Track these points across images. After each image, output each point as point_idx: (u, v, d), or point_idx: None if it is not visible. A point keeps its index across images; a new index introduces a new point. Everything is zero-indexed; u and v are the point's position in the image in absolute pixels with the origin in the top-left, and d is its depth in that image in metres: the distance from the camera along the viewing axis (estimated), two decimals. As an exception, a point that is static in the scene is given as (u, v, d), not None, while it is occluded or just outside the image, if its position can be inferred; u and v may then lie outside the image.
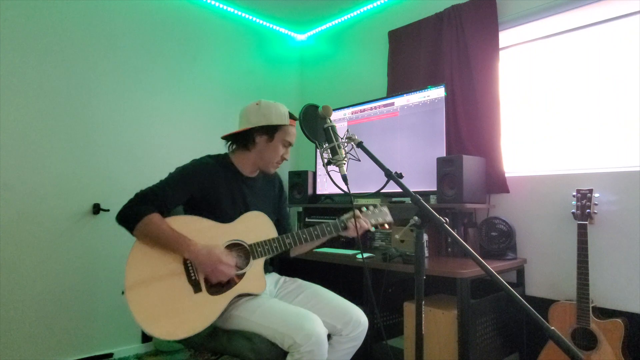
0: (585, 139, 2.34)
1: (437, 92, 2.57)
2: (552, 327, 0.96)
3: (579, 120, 2.37)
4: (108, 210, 2.68)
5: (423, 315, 1.26)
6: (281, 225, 1.83)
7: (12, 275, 2.41)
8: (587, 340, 1.92)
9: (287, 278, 1.88)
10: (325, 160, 1.42)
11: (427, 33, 2.85)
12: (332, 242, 2.81)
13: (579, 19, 2.37)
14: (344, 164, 1.40)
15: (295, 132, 1.75)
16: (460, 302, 1.92)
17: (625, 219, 2.10)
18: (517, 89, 2.61)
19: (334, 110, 1.67)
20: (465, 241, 2.36)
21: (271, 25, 3.77)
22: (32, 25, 2.52)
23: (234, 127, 1.73)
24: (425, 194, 2.53)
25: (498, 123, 2.48)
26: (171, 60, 3.11)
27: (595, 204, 2.04)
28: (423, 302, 1.26)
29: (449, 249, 2.45)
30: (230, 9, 3.47)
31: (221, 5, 3.41)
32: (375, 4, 3.34)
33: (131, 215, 1.50)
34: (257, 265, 1.64)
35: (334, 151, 1.40)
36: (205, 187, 1.63)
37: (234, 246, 1.63)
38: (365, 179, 2.79)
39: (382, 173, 1.30)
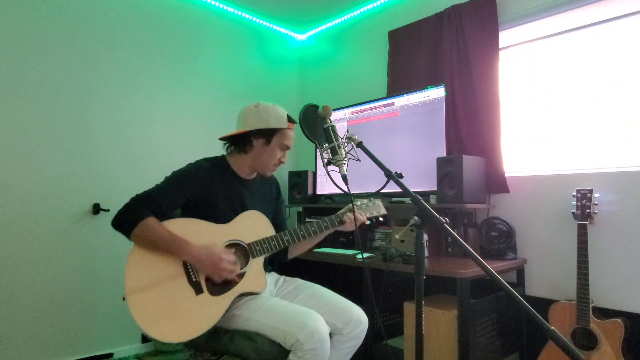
0: (585, 139, 2.34)
1: (437, 92, 2.57)
2: (552, 327, 0.96)
3: (579, 120, 2.37)
4: (108, 210, 2.68)
5: (423, 315, 1.26)
6: (277, 226, 1.83)
7: (12, 275, 2.41)
8: (587, 340, 1.92)
9: (287, 278, 1.88)
10: (325, 160, 1.42)
11: (427, 33, 2.85)
12: (332, 242, 2.82)
13: (579, 19, 2.37)
14: (344, 164, 1.40)
15: (293, 135, 1.75)
16: (460, 302, 1.92)
17: (625, 219, 2.10)
18: (517, 89, 2.61)
19: (334, 110, 1.67)
20: (465, 241, 2.36)
21: (271, 25, 3.77)
22: (32, 25, 2.52)
23: (234, 128, 1.73)
24: (425, 194, 2.53)
25: (498, 123, 2.48)
26: (171, 60, 3.11)
27: (595, 204, 2.04)
28: (423, 302, 1.26)
29: (449, 249, 2.45)
30: (230, 9, 3.47)
31: (221, 5, 3.41)
32: (375, 4, 3.34)
33: (127, 220, 1.49)
34: (256, 264, 1.64)
35: (334, 151, 1.40)
36: (201, 190, 1.62)
37: (233, 246, 1.63)
38: (365, 179, 2.79)
39: (382, 173, 1.30)
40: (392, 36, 3.12)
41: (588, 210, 2.01)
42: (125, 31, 2.89)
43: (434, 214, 1.19)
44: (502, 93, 2.50)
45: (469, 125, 2.61)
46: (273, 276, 1.87)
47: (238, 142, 1.72)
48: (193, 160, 1.72)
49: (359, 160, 1.44)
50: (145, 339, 2.88)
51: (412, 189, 1.27)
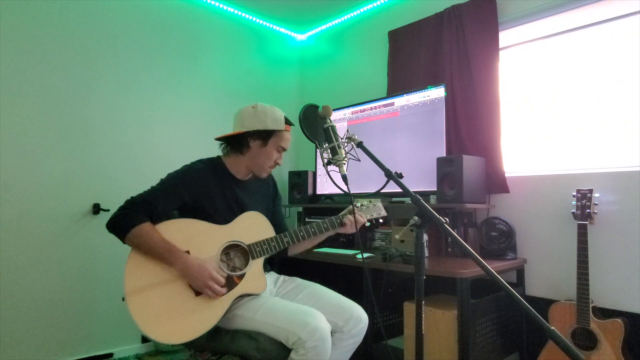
0: (585, 139, 2.34)
1: (437, 92, 2.57)
2: (552, 327, 0.96)
3: (579, 120, 2.37)
4: (108, 210, 2.68)
5: (423, 315, 1.26)
6: (277, 225, 1.82)
7: (12, 275, 2.41)
8: (587, 340, 1.92)
9: (286, 277, 1.88)
10: (325, 160, 1.42)
11: (427, 33, 2.85)
12: (332, 242, 2.81)
13: (579, 19, 2.36)
14: (344, 164, 1.40)
15: (290, 137, 1.75)
16: (460, 302, 1.92)
17: (625, 219, 2.10)
18: (517, 89, 2.61)
19: (334, 110, 1.67)
20: (465, 241, 2.36)
21: (271, 25, 3.77)
22: (32, 25, 2.52)
23: (232, 128, 1.73)
24: (425, 194, 2.53)
25: (498, 123, 2.48)
26: (171, 60, 3.11)
27: (595, 204, 2.04)
28: (423, 302, 1.26)
29: (449, 249, 2.45)
30: (230, 9, 3.47)
31: (221, 5, 3.41)
32: (375, 4, 3.34)
33: (122, 224, 1.48)
34: (256, 265, 1.64)
35: (334, 151, 1.40)
36: (197, 192, 1.62)
37: (233, 247, 1.63)
38: (365, 179, 2.79)
39: (382, 173, 1.30)
40: (392, 36, 3.12)
41: (588, 210, 2.01)
42: (125, 31, 2.89)
43: (434, 214, 1.19)
44: (502, 93, 2.50)
45: (469, 125, 2.61)
46: (272, 276, 1.87)
47: (234, 142, 1.71)
48: (193, 161, 1.72)
49: (359, 160, 1.44)
50: (145, 339, 2.88)
51: (412, 189, 1.27)
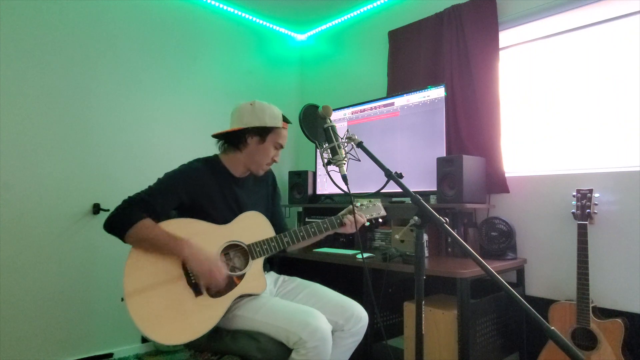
0: (585, 139, 2.34)
1: (437, 92, 2.57)
2: (552, 327, 0.96)
3: (579, 120, 2.37)
4: (108, 210, 2.67)
5: (423, 315, 1.26)
6: (276, 224, 1.82)
7: (12, 275, 2.41)
8: (587, 340, 1.92)
9: (286, 277, 1.88)
10: (325, 160, 1.42)
11: (427, 33, 2.85)
12: (332, 242, 2.81)
13: (579, 19, 2.37)
14: (344, 164, 1.40)
15: (287, 134, 1.75)
16: (460, 302, 1.92)
17: (625, 219, 2.10)
18: (517, 89, 2.61)
19: (334, 110, 1.67)
20: (465, 241, 2.36)
21: (271, 25, 3.77)
22: (32, 25, 2.52)
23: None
24: (425, 194, 2.53)
25: (498, 123, 2.48)
26: (171, 60, 3.11)
27: (595, 204, 2.04)
28: (423, 302, 1.26)
29: (449, 249, 2.45)
30: (230, 9, 3.47)
31: (221, 5, 3.41)
32: (375, 4, 3.34)
33: (121, 222, 1.47)
34: (256, 265, 1.64)
35: (334, 151, 1.40)
36: (195, 192, 1.61)
37: (233, 247, 1.62)
38: (365, 179, 2.79)
39: (382, 173, 1.30)
40: (392, 36, 3.12)
41: (588, 210, 2.01)
42: (125, 31, 2.89)
43: (434, 214, 1.19)
44: (502, 93, 2.50)
45: (469, 125, 2.61)
46: (272, 276, 1.87)
47: (232, 139, 1.71)
48: (190, 160, 1.72)
49: (359, 160, 1.44)
50: (145, 339, 2.88)
51: (412, 189, 1.27)
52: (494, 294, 2.14)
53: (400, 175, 1.29)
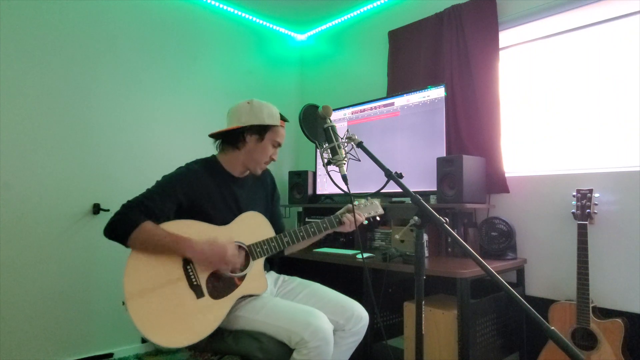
0: (585, 139, 2.34)
1: (437, 92, 2.57)
2: (552, 327, 0.96)
3: (579, 120, 2.37)
4: (108, 210, 2.68)
5: (423, 315, 1.26)
6: (274, 223, 1.81)
7: (12, 275, 2.41)
8: (587, 340, 1.92)
9: (286, 277, 1.89)
10: (325, 160, 1.42)
11: (427, 33, 2.85)
12: (332, 242, 2.82)
13: (579, 19, 2.37)
14: (344, 164, 1.40)
15: (284, 133, 1.76)
16: (460, 302, 1.92)
17: (625, 219, 2.10)
18: (517, 89, 2.61)
19: (334, 110, 1.67)
20: (465, 241, 2.36)
21: (271, 25, 3.77)
22: (32, 25, 2.52)
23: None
24: (425, 194, 2.53)
25: (498, 123, 2.48)
26: (171, 60, 3.11)
27: (595, 204, 2.04)
28: (423, 302, 1.26)
29: (449, 249, 2.45)
30: (230, 9, 3.47)
31: (221, 5, 3.41)
32: (375, 4, 3.34)
33: (122, 226, 1.45)
34: (257, 265, 1.64)
35: (334, 151, 1.40)
36: (194, 193, 1.61)
37: (233, 248, 1.62)
38: (365, 179, 2.79)
39: (382, 173, 1.30)
40: (392, 36, 3.12)
41: (588, 210, 2.01)
42: (125, 31, 2.89)
43: (434, 214, 1.19)
44: (502, 93, 2.50)
45: (469, 125, 2.61)
46: (272, 275, 1.87)
47: (231, 138, 1.71)
48: (191, 161, 1.72)
49: (359, 160, 1.44)
50: (145, 339, 2.87)
51: (412, 189, 1.27)
52: (494, 294, 2.14)
53: (400, 175, 1.29)
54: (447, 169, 2.33)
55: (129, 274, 1.45)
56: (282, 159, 1.74)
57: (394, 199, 2.72)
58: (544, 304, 2.09)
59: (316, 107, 1.48)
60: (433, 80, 2.74)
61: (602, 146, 2.28)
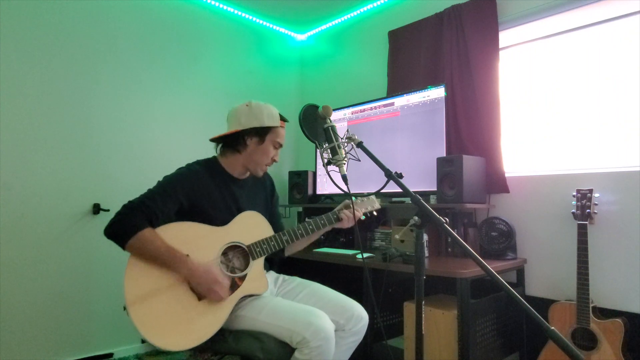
0: (585, 139, 2.34)
1: (437, 92, 2.57)
2: (552, 327, 0.96)
3: (579, 120, 2.37)
4: (108, 210, 2.68)
5: (423, 315, 1.26)
6: (274, 223, 1.81)
7: (12, 275, 2.41)
8: (587, 340, 1.92)
9: (286, 276, 1.89)
10: (325, 160, 1.42)
11: (427, 33, 2.85)
12: (332, 242, 2.81)
13: (579, 19, 2.36)
14: (344, 164, 1.40)
15: (284, 133, 1.75)
16: (460, 302, 1.92)
17: (625, 219, 2.10)
18: (517, 89, 2.61)
19: (334, 110, 1.67)
20: (465, 241, 2.36)
21: (271, 25, 3.77)
22: (32, 25, 2.52)
23: (227, 128, 1.73)
24: (425, 194, 2.53)
25: (498, 123, 2.48)
26: (171, 60, 3.11)
27: (595, 204, 2.04)
28: (423, 302, 1.26)
29: (449, 249, 2.45)
30: (230, 9, 3.47)
31: (221, 5, 3.41)
32: (375, 4, 3.34)
33: (122, 231, 1.45)
34: (257, 265, 1.64)
35: (334, 151, 1.40)
36: (194, 194, 1.60)
37: (232, 248, 1.62)
38: (365, 179, 2.79)
39: (382, 173, 1.30)
40: (392, 36, 3.12)
41: (588, 210, 2.01)
42: (125, 31, 2.89)
43: (434, 214, 1.19)
44: (502, 93, 2.50)
45: (469, 125, 2.61)
46: (272, 275, 1.87)
47: (231, 141, 1.71)
48: (191, 161, 1.72)
49: (359, 160, 1.44)
50: (145, 340, 2.87)
51: (412, 189, 1.27)
52: (494, 294, 2.14)
53: (400, 175, 1.29)
54: (447, 169, 2.33)
55: (129, 277, 1.44)
56: (282, 159, 1.75)
57: (394, 199, 2.72)
58: (544, 304, 2.09)
59: (316, 107, 1.48)
60: (433, 80, 2.74)
61: (602, 146, 2.28)
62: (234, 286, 1.56)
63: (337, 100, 3.29)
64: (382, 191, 1.39)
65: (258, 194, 1.84)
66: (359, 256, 2.30)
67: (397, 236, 2.50)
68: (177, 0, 3.16)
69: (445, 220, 1.18)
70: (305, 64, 3.97)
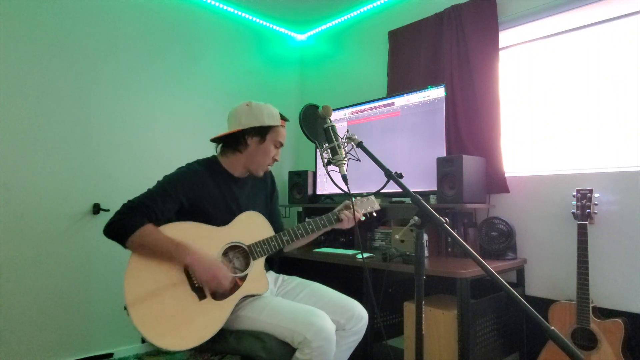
0: (585, 139, 2.34)
1: (437, 92, 2.57)
2: (552, 327, 0.96)
3: (579, 120, 2.37)
4: (108, 210, 2.68)
5: (423, 315, 1.26)
6: (273, 221, 1.81)
7: (12, 275, 2.41)
8: (587, 340, 1.92)
9: (286, 276, 1.89)
10: (325, 160, 1.42)
11: (427, 33, 2.85)
12: (332, 242, 2.81)
13: (579, 19, 2.37)
14: (344, 164, 1.40)
15: (285, 132, 1.75)
16: (460, 302, 1.92)
17: (625, 219, 2.10)
18: (517, 89, 2.61)
19: (334, 110, 1.67)
20: (465, 241, 2.36)
21: (271, 25, 3.77)
22: (32, 25, 2.52)
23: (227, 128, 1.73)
24: (425, 194, 2.53)
25: (498, 123, 2.48)
26: (171, 60, 3.11)
27: (595, 204, 2.04)
28: (423, 302, 1.26)
29: (449, 249, 2.45)
30: (230, 9, 3.47)
31: (221, 5, 3.41)
32: (375, 4, 3.34)
33: (122, 229, 1.45)
34: (257, 265, 1.64)
35: (334, 151, 1.40)
36: (195, 193, 1.60)
37: (233, 248, 1.62)
38: (365, 179, 2.79)
39: (382, 173, 1.30)
40: (392, 36, 3.12)
41: (588, 210, 2.01)
42: (125, 31, 2.89)
43: (434, 214, 1.19)
44: (502, 93, 2.50)
45: (469, 125, 2.61)
46: (272, 275, 1.87)
47: (231, 141, 1.71)
48: (191, 161, 1.72)
49: (359, 160, 1.45)
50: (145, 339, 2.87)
51: (412, 189, 1.27)
52: (494, 294, 2.14)
53: (400, 175, 1.29)
54: (447, 169, 2.33)
55: (129, 278, 1.44)
56: (282, 159, 1.75)
57: (394, 199, 2.72)
58: (544, 304, 2.09)
59: (316, 107, 1.48)
60: (433, 80, 2.74)
61: (602, 146, 2.28)
62: (234, 286, 1.56)
63: (337, 100, 3.29)
64: (382, 191, 1.39)
65: (258, 194, 1.84)
66: (359, 256, 2.30)
67: (397, 236, 2.50)
68: (177, 0, 3.16)
69: (445, 220, 1.18)
70: (305, 64, 3.97)
